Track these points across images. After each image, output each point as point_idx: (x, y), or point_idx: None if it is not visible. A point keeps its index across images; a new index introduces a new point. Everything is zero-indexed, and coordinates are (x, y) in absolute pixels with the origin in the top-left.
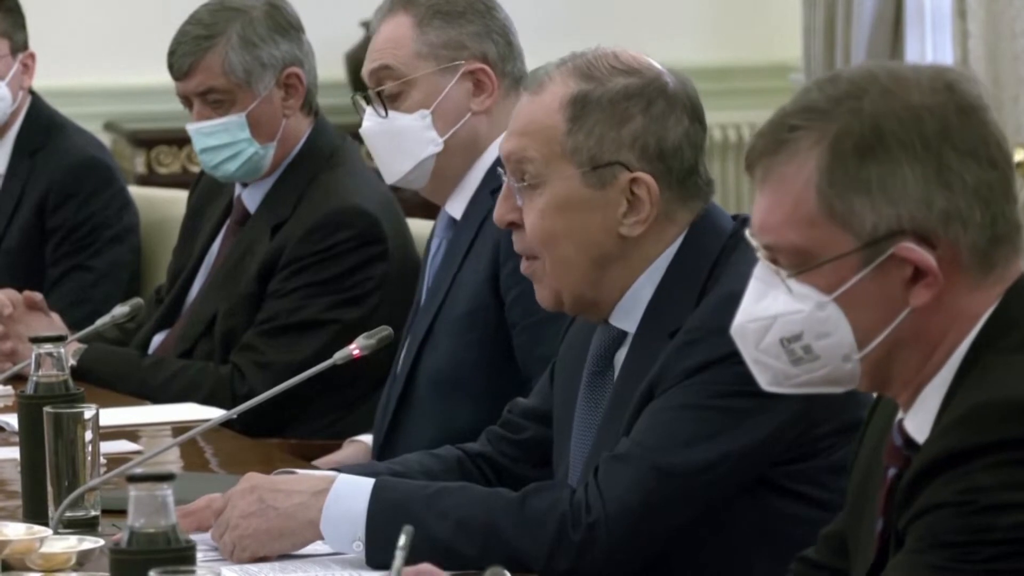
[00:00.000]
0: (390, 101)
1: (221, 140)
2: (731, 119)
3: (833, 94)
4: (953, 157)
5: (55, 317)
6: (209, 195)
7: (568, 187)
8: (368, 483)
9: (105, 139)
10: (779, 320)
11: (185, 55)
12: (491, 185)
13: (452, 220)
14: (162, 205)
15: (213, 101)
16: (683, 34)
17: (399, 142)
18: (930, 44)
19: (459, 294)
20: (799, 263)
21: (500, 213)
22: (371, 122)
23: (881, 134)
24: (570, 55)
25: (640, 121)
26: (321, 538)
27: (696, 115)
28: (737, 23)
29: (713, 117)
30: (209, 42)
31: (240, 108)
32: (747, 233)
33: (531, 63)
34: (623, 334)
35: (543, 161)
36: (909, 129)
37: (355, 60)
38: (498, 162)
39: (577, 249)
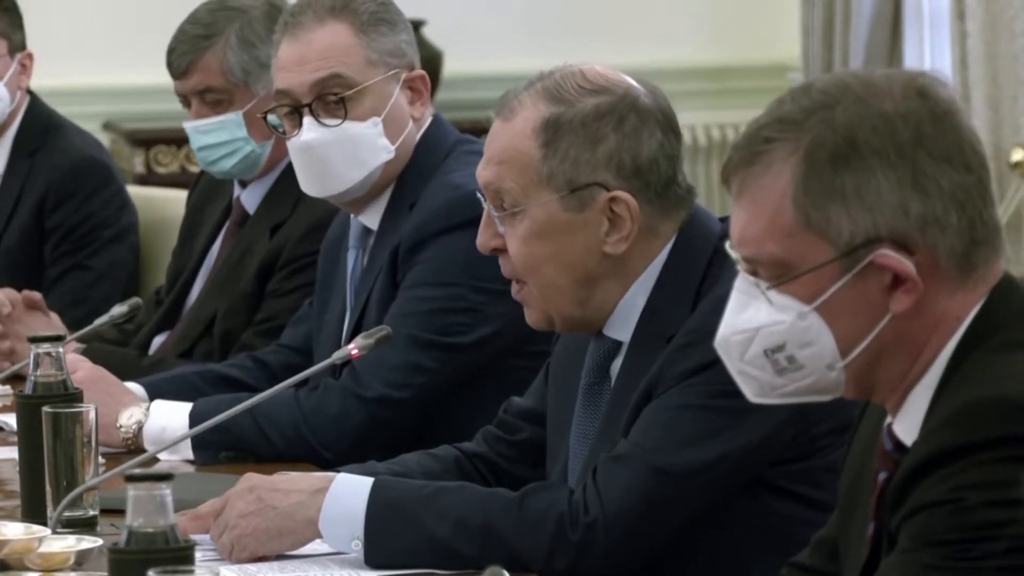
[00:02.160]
0: (342, 110)
1: (218, 138)
2: (730, 119)
3: (806, 105)
4: (928, 163)
5: (54, 317)
6: (208, 196)
7: (548, 212)
8: (367, 482)
9: (104, 139)
10: (762, 331)
11: (183, 54)
12: (405, 196)
13: (366, 230)
14: (161, 205)
15: (211, 100)
16: (682, 34)
17: (353, 150)
18: (928, 44)
19: (373, 308)
20: (779, 274)
21: (483, 240)
22: (317, 132)
23: (855, 143)
24: (537, 76)
25: (613, 139)
26: (320, 537)
27: (669, 125)
28: (736, 23)
29: (712, 117)
30: (207, 42)
31: (238, 107)
32: (727, 246)
33: (530, 62)
34: (618, 344)
35: (520, 189)
36: (883, 137)
37: None
38: (409, 172)
39: (563, 272)
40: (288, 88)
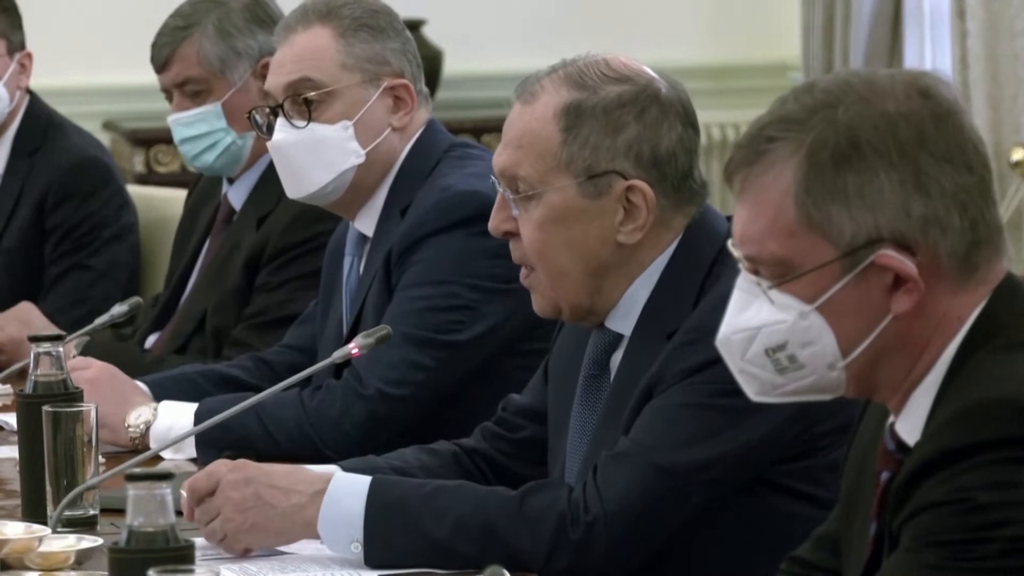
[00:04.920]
0: (310, 111)
1: (198, 130)
2: (730, 118)
3: (809, 104)
4: (930, 163)
5: None
6: (203, 198)
7: (564, 198)
8: (364, 483)
9: (104, 138)
10: (763, 331)
11: (163, 46)
12: (398, 202)
13: (362, 237)
14: (161, 204)
15: (191, 92)
16: (682, 33)
17: (319, 152)
18: (929, 43)
19: (369, 312)
20: (780, 273)
21: (495, 223)
22: (285, 133)
23: (857, 143)
24: (560, 62)
25: (634, 129)
26: (318, 538)
27: (689, 120)
28: (736, 22)
29: (712, 116)
30: (185, 32)
31: (216, 97)
32: (729, 244)
33: (530, 62)
34: (619, 337)
35: (538, 174)
36: (884, 137)
37: None
38: (401, 178)
39: (575, 260)
40: (269, 89)
